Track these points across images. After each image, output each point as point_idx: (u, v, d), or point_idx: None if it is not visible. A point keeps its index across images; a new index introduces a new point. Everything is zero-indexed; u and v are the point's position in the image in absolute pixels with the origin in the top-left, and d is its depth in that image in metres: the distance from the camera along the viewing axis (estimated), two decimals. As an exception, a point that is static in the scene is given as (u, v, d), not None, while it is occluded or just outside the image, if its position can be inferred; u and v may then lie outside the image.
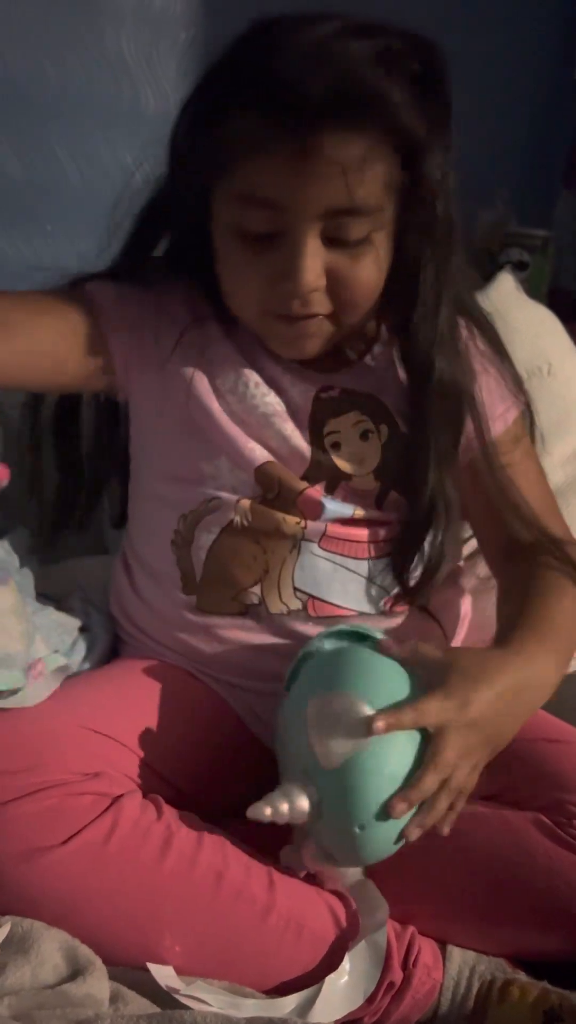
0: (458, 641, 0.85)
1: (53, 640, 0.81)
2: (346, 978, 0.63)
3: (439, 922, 0.68)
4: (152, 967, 0.60)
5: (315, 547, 0.76)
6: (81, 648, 0.84)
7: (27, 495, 0.86)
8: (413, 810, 0.62)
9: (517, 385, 0.82)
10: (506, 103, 1.62)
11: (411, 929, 0.67)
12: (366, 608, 0.77)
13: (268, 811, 0.62)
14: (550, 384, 1.04)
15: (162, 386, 0.76)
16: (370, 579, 0.77)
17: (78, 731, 0.66)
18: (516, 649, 0.68)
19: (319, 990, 0.62)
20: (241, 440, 0.75)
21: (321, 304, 0.70)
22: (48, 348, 0.73)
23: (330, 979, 0.63)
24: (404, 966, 0.65)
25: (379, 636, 0.70)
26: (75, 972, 0.56)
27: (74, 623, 0.85)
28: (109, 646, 0.85)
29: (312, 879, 0.68)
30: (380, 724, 0.60)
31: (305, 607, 0.76)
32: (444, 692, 0.63)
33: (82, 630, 0.85)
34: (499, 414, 0.79)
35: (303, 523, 0.75)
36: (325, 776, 0.62)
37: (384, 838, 0.62)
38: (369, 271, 0.70)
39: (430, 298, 0.72)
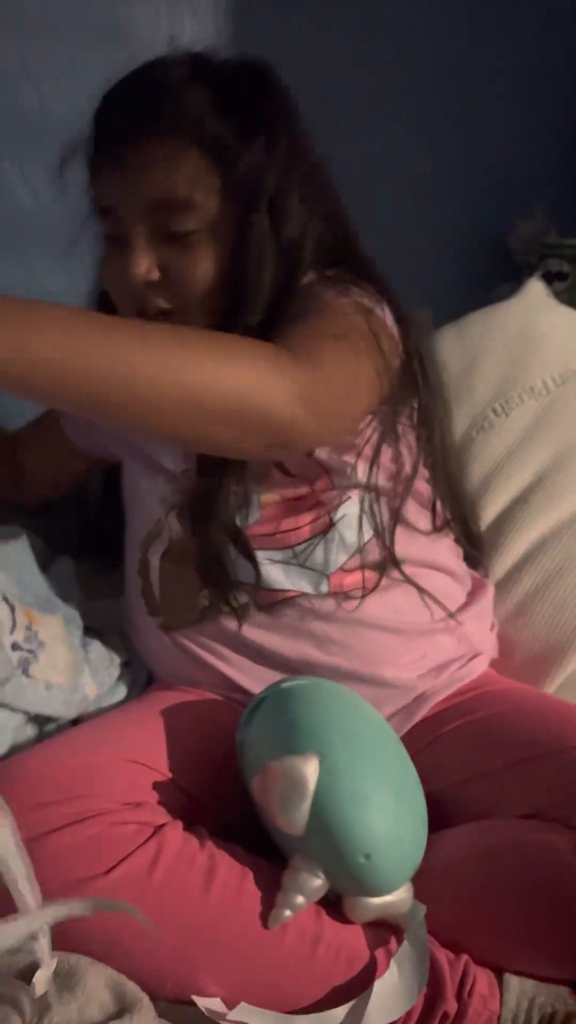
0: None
1: (101, 673, 0.82)
2: (395, 978, 0.62)
3: (494, 950, 0.66)
4: (197, 999, 0.59)
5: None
6: (126, 682, 0.85)
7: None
8: (422, 815, 0.64)
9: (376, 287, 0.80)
10: (544, 115, 1.61)
11: (465, 957, 0.65)
12: (306, 588, 0.79)
13: (288, 913, 0.62)
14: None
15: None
16: (300, 564, 0.79)
17: (119, 762, 0.66)
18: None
19: (369, 996, 0.61)
20: (156, 452, 0.83)
21: (161, 299, 0.77)
22: (50, 477, 0.97)
23: (380, 982, 0.61)
24: (459, 996, 0.63)
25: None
26: (122, 1010, 0.55)
27: (118, 658, 0.85)
28: (148, 680, 0.86)
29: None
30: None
31: (253, 598, 0.79)
32: None
33: (124, 664, 0.86)
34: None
35: None
36: (306, 840, 0.62)
37: (396, 851, 0.62)
38: (201, 264, 0.76)
39: (254, 283, 0.75)
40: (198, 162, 0.74)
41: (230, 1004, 0.61)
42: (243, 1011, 0.59)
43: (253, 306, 0.75)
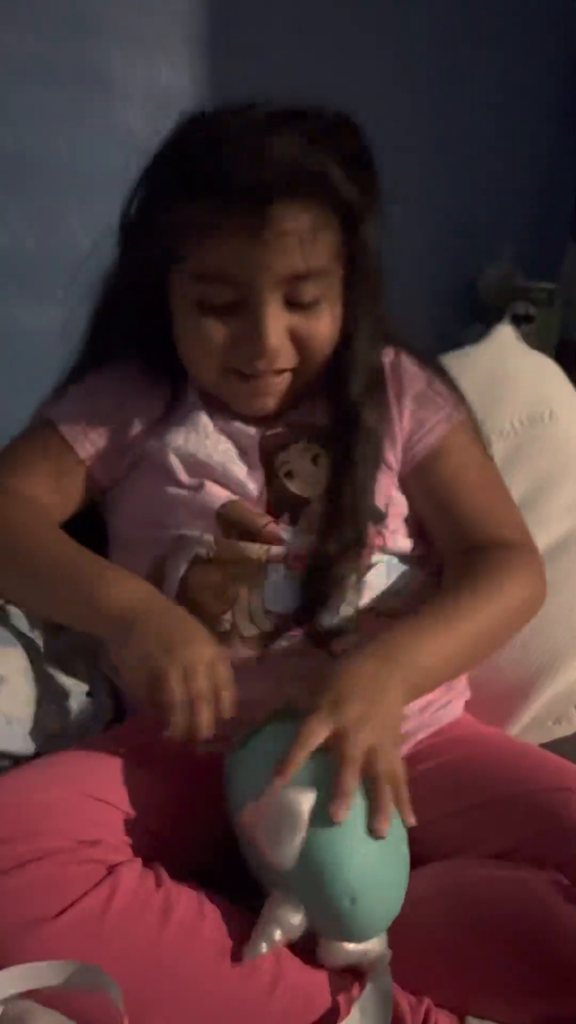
0: None
1: (63, 705, 0.81)
2: (357, 1021, 0.60)
3: (458, 992, 0.65)
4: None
5: (283, 568, 0.78)
6: (89, 714, 0.83)
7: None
8: (407, 863, 0.62)
9: (457, 397, 0.87)
10: (512, 158, 1.65)
11: (426, 1001, 0.64)
12: (333, 620, 0.77)
13: (264, 947, 0.61)
14: (552, 430, 1.04)
15: (128, 460, 0.83)
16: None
17: (76, 798, 0.64)
18: (400, 623, 0.74)
19: None
20: (197, 487, 0.80)
21: (286, 360, 0.78)
22: (64, 511, 0.85)
23: None
24: (421, 1042, 0.62)
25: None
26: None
27: (81, 687, 0.84)
28: (112, 710, 0.84)
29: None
30: (281, 778, 0.61)
31: (278, 628, 0.76)
32: (314, 701, 0.65)
33: (88, 695, 0.84)
34: (432, 425, 0.84)
35: (267, 547, 0.78)
36: (292, 875, 0.61)
37: (381, 896, 0.61)
38: (325, 326, 0.78)
39: (361, 353, 0.81)
40: (335, 229, 0.75)
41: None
42: None
43: (360, 372, 0.81)
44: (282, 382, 0.79)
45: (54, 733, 0.79)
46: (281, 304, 0.75)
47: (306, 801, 0.60)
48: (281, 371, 0.78)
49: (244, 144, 0.72)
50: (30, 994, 0.56)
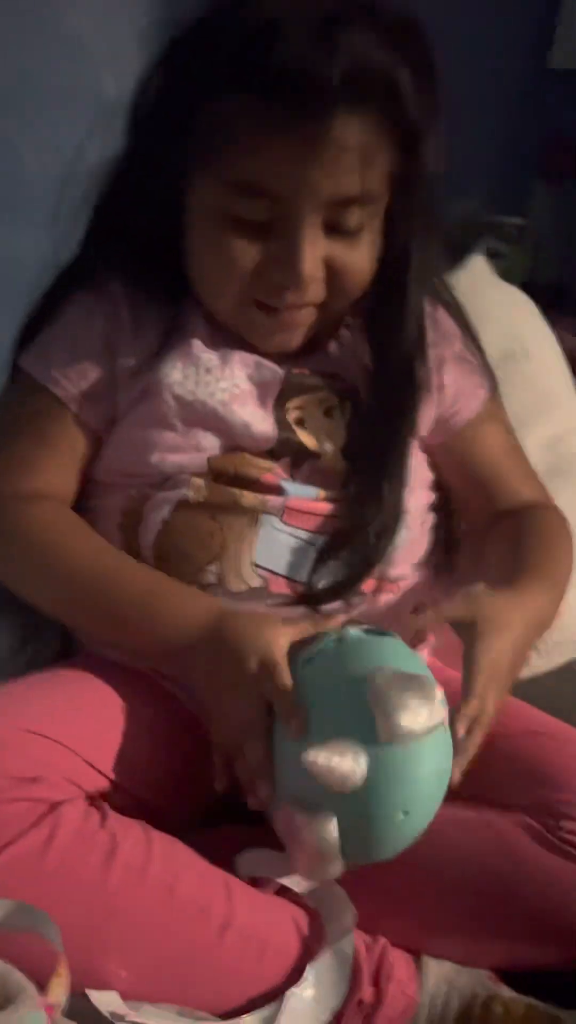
0: None
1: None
2: (311, 991, 0.58)
3: (415, 933, 0.63)
4: (92, 994, 0.55)
5: (276, 521, 0.71)
6: (29, 648, 0.79)
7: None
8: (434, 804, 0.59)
9: (485, 365, 0.82)
10: (480, 92, 1.59)
11: (382, 941, 0.62)
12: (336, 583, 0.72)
13: (323, 757, 0.55)
14: (525, 368, 1.01)
15: (122, 400, 0.74)
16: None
17: (17, 734, 0.60)
18: (522, 591, 0.69)
19: (280, 1007, 0.57)
20: (188, 435, 0.72)
21: (316, 293, 0.69)
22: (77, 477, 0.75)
23: (292, 993, 0.58)
24: (375, 982, 0.60)
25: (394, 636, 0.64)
26: (5, 1000, 0.50)
27: (19, 620, 0.80)
28: (60, 643, 0.80)
29: (282, 892, 0.63)
30: (461, 729, 0.60)
31: (267, 584, 0.71)
32: (485, 662, 0.63)
33: (31, 628, 0.80)
34: (468, 394, 0.80)
35: (263, 498, 0.72)
36: (385, 751, 0.56)
37: (418, 827, 0.58)
38: (364, 259, 0.70)
39: (413, 291, 0.73)
40: (392, 149, 0.66)
41: (132, 996, 0.57)
42: (143, 1013, 0.55)
43: (412, 318, 0.73)
44: (307, 317, 0.71)
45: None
46: (320, 228, 0.66)
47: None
48: (306, 304, 0.70)
49: (310, 33, 0.61)
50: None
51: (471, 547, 0.82)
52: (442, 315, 0.78)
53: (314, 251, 0.66)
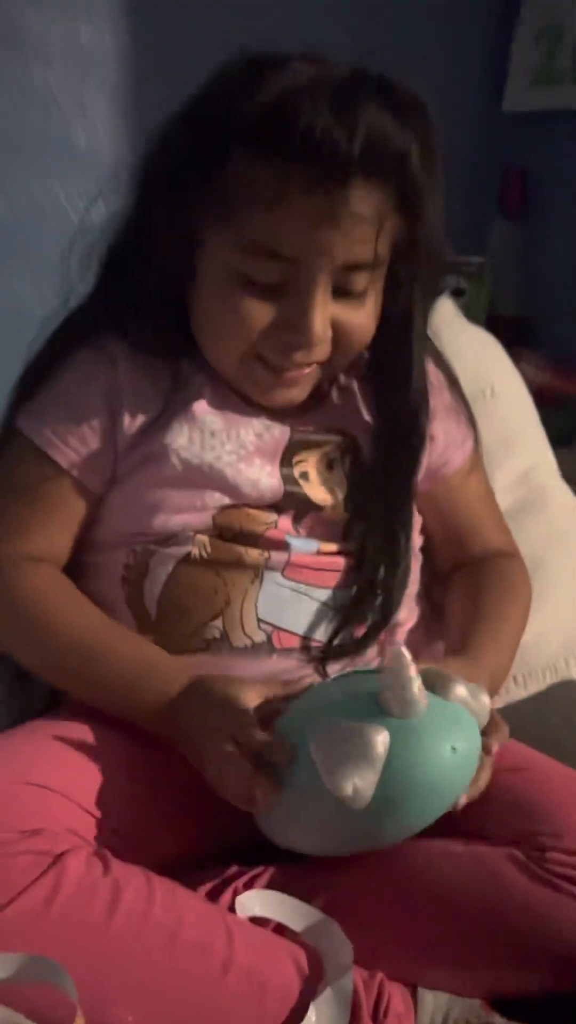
0: None
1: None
2: None
3: (410, 965, 0.65)
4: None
5: (279, 576, 0.74)
6: (19, 698, 0.80)
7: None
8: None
9: (469, 415, 0.84)
10: (438, 134, 1.64)
11: (379, 975, 0.64)
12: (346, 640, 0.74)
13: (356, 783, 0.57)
14: (494, 406, 1.04)
15: (123, 462, 0.75)
16: (335, 608, 0.75)
17: (14, 786, 0.62)
18: (474, 656, 0.72)
19: None
20: (193, 495, 0.74)
21: (322, 353, 0.71)
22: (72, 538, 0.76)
23: None
24: (375, 1017, 0.62)
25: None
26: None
27: (11, 668, 0.80)
28: (50, 693, 0.80)
29: (278, 931, 0.64)
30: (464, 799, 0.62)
31: (269, 639, 0.73)
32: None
33: (19, 677, 0.81)
34: (458, 444, 0.83)
35: (266, 554, 0.73)
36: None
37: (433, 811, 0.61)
38: (368, 320, 0.72)
39: (417, 348, 0.76)
40: (398, 217, 0.68)
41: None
42: None
43: (419, 372, 0.76)
44: (310, 374, 0.73)
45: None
46: (329, 291, 0.68)
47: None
48: (311, 363, 0.72)
49: (331, 104, 0.62)
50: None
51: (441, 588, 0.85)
52: (430, 366, 0.81)
53: (324, 313, 0.68)
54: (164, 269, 0.71)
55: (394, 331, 0.74)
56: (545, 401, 1.16)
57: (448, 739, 0.59)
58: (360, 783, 0.56)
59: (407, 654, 0.59)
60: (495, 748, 0.63)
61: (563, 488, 1.07)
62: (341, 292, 0.69)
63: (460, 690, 0.61)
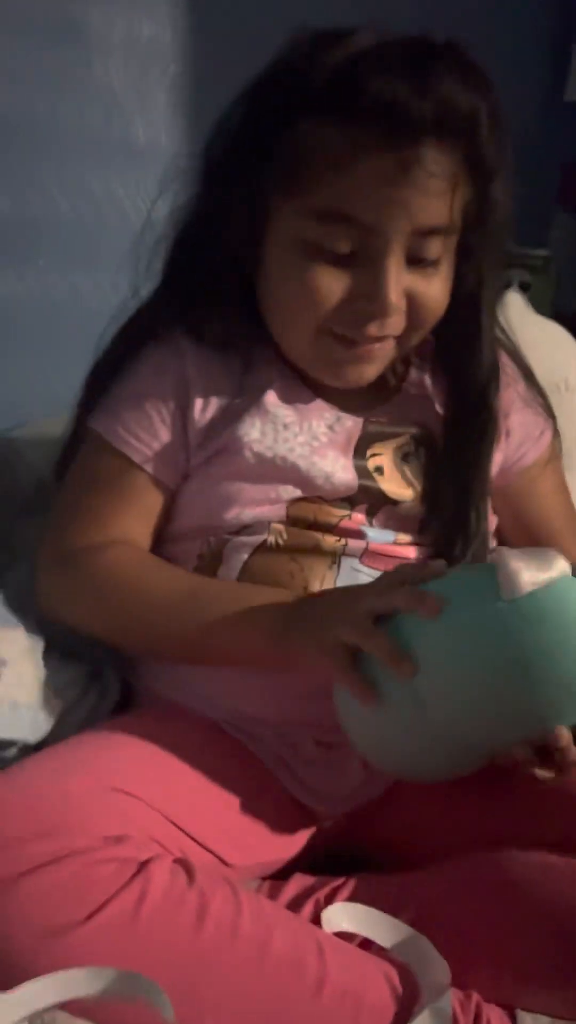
0: None
1: (66, 690, 0.76)
2: None
3: (507, 986, 0.61)
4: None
5: (356, 563, 0.71)
6: (92, 697, 0.78)
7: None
8: None
9: (546, 406, 0.81)
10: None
11: (475, 996, 0.61)
12: None
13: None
14: (570, 399, 1.01)
15: (197, 455, 0.73)
16: None
17: (98, 791, 0.60)
18: None
19: None
20: (267, 488, 0.72)
21: (396, 325, 0.69)
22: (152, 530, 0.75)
23: None
24: (472, 1039, 0.59)
25: None
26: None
27: (83, 668, 0.79)
28: (120, 693, 0.79)
29: (364, 947, 0.61)
30: None
31: None
32: None
33: (92, 676, 0.79)
34: (535, 437, 0.80)
35: (343, 541, 0.71)
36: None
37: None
38: (441, 291, 0.70)
39: (487, 325, 0.73)
40: (469, 183, 0.67)
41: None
42: None
43: (488, 349, 0.73)
44: (383, 350, 0.70)
45: (61, 719, 0.74)
46: (403, 259, 0.66)
47: None
48: (385, 337, 0.69)
49: (401, 66, 0.62)
50: (61, 1005, 0.52)
51: None
52: (504, 358, 0.78)
53: (399, 282, 0.66)
54: (231, 253, 0.69)
55: (463, 306, 0.72)
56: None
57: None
58: (533, 579, 0.56)
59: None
60: None
61: None
62: (415, 261, 0.67)
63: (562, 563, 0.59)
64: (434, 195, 0.64)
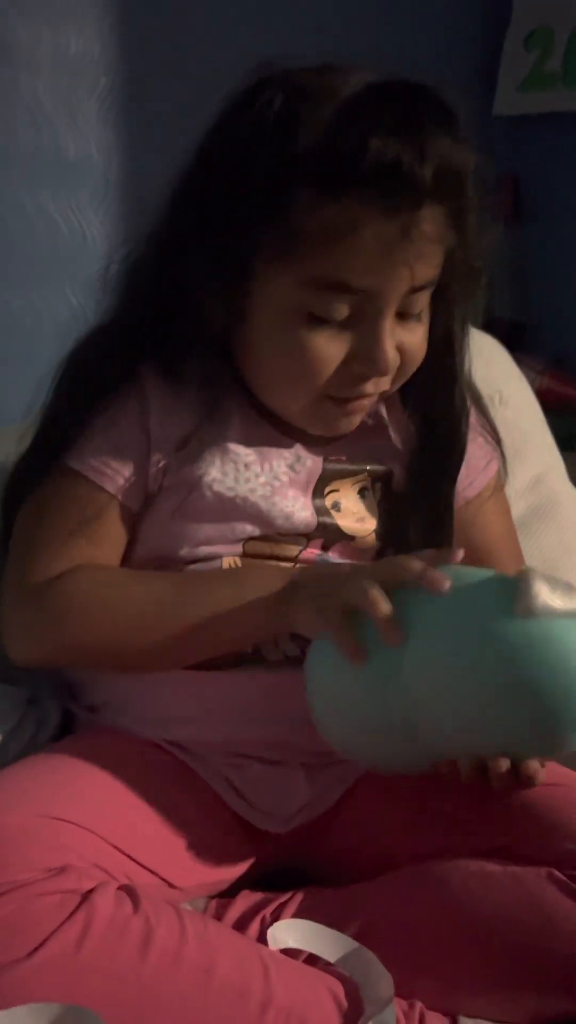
0: None
1: (3, 717, 0.75)
2: None
3: (450, 994, 0.62)
4: None
5: None
6: (30, 725, 0.77)
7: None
8: None
9: (494, 434, 0.82)
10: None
11: (419, 1006, 0.62)
12: None
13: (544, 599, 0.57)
14: (503, 413, 1.02)
15: (157, 484, 0.72)
16: None
17: (36, 820, 0.59)
18: None
19: None
20: (223, 528, 0.72)
21: (389, 380, 0.70)
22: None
23: None
24: (416, 1049, 0.60)
25: None
26: None
27: (21, 695, 0.78)
28: (61, 720, 0.78)
29: (310, 961, 0.62)
30: None
31: (303, 653, 0.70)
32: None
33: (30, 702, 0.79)
34: (481, 468, 0.81)
35: (298, 567, 0.72)
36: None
37: None
38: (423, 340, 0.71)
39: (460, 365, 0.75)
40: (454, 233, 0.66)
41: None
42: None
43: (461, 386, 0.74)
44: (372, 401, 0.71)
45: (-1, 748, 0.73)
46: (394, 317, 0.66)
47: None
48: (379, 391, 0.70)
49: (398, 127, 0.60)
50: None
51: None
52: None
53: (393, 341, 0.67)
54: (205, 307, 0.68)
55: (436, 346, 0.72)
56: (544, 406, 1.15)
57: None
58: (552, 604, 0.57)
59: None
60: None
61: (574, 494, 1.06)
62: (402, 315, 0.67)
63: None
64: (429, 257, 0.65)
